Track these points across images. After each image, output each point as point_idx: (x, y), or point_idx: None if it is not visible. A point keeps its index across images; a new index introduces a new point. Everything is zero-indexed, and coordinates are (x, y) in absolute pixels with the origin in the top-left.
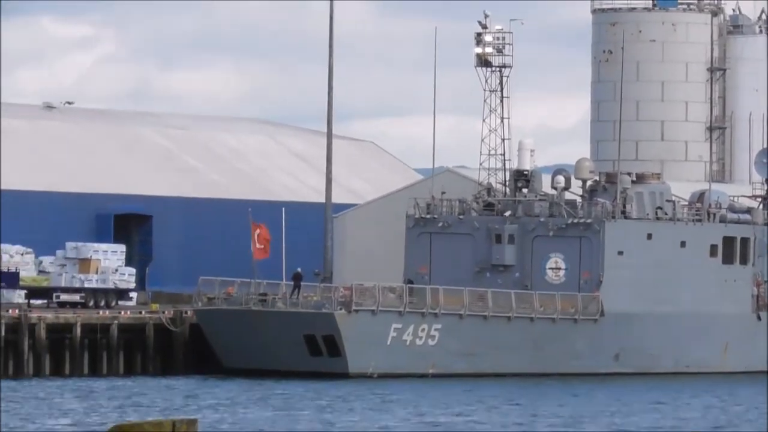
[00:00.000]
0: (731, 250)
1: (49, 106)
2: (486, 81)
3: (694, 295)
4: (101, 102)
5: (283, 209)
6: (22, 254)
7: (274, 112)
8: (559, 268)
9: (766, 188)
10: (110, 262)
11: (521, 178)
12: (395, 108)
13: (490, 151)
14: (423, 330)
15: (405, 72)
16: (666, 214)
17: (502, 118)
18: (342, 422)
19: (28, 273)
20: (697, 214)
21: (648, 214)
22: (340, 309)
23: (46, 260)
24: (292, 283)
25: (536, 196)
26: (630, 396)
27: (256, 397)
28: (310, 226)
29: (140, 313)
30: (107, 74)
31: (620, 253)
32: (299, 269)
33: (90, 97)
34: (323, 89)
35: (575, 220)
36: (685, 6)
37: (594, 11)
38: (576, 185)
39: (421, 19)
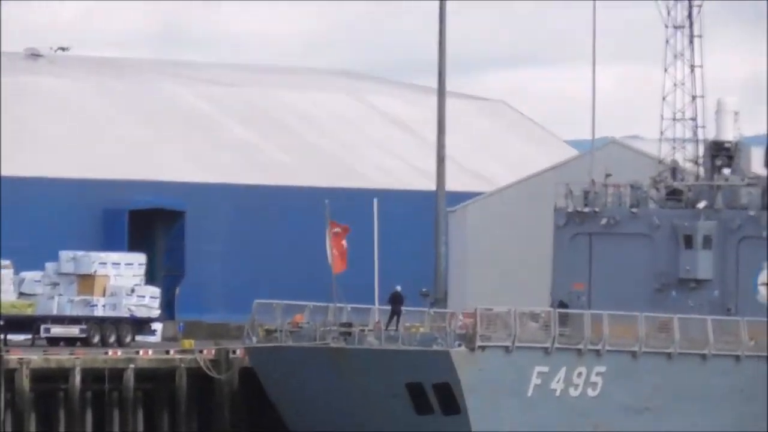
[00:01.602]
0: None
1: (34, 54)
2: (669, 13)
3: None
4: (110, 47)
5: (375, 201)
6: None
7: (360, 60)
8: None
9: None
10: (124, 280)
11: (721, 154)
12: (536, 55)
13: (675, 114)
14: (580, 375)
15: (550, 3)
16: None
17: (693, 67)
18: None
19: (4, 296)
20: None
21: None
22: (459, 345)
23: (31, 277)
24: (388, 307)
25: (743, 180)
26: None
27: None
28: (414, 225)
29: (167, 352)
30: (120, 6)
31: None
32: (398, 288)
33: (93, 41)
34: (431, 27)
35: None
36: None
37: None
38: None
39: None
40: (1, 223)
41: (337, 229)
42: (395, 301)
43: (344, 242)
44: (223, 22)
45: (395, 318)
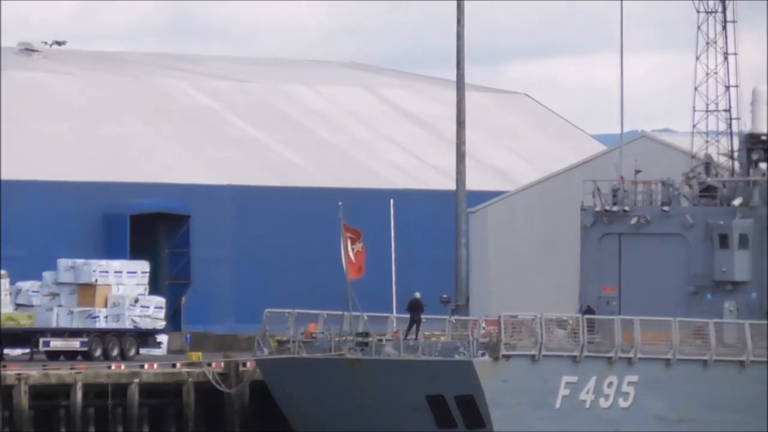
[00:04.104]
0: None
1: (28, 49)
2: None
3: None
4: (110, 41)
5: (391, 201)
6: None
7: (372, 51)
8: None
9: None
10: (126, 289)
11: (757, 147)
12: (560, 44)
13: (708, 105)
14: (610, 385)
15: None
16: None
17: (726, 55)
18: None
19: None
20: None
21: None
22: (483, 355)
23: (27, 287)
24: (407, 315)
25: None
26: None
27: None
28: (432, 227)
29: (174, 366)
30: None
31: None
32: (417, 294)
33: (92, 34)
34: (448, 16)
35: None
36: None
37: None
38: None
39: None
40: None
41: (349, 234)
42: (414, 308)
43: (360, 246)
44: (233, 14)
45: (414, 326)
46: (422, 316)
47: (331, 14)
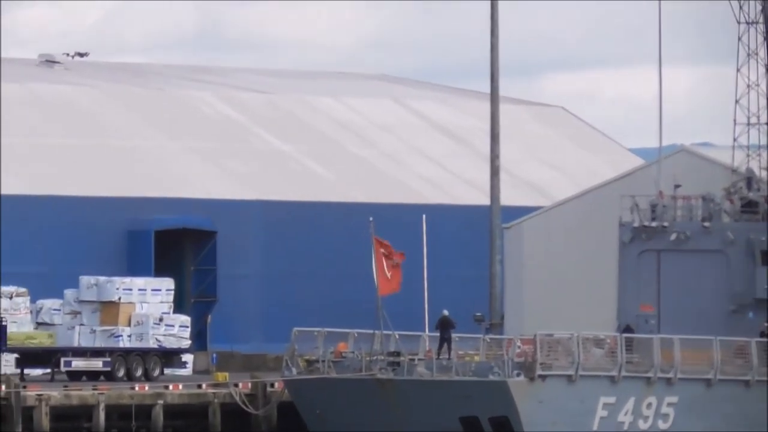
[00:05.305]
0: None
1: (49, 61)
2: (740, 8)
3: None
4: (134, 53)
5: (423, 217)
6: (10, 297)
7: (403, 65)
8: None
9: None
10: (151, 307)
11: None
12: (597, 55)
13: (749, 118)
14: (650, 406)
15: (616, 1)
16: None
17: None
18: None
19: (20, 326)
20: None
21: None
22: (518, 375)
23: (49, 305)
24: (437, 334)
25: None
26: None
27: None
28: (465, 243)
29: (199, 387)
30: (145, 8)
31: None
32: (446, 312)
33: (116, 46)
34: (482, 27)
35: None
36: None
37: None
38: None
39: None
40: (1, 244)
41: (382, 250)
42: (444, 326)
43: (396, 261)
44: (259, 26)
45: (445, 345)
46: (453, 335)
47: (360, 26)
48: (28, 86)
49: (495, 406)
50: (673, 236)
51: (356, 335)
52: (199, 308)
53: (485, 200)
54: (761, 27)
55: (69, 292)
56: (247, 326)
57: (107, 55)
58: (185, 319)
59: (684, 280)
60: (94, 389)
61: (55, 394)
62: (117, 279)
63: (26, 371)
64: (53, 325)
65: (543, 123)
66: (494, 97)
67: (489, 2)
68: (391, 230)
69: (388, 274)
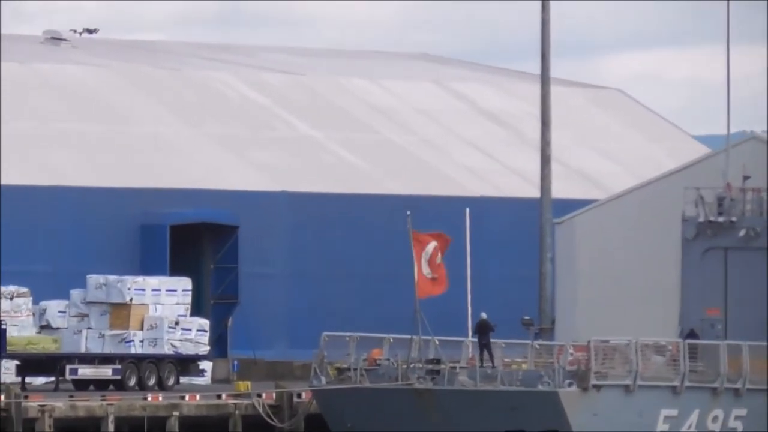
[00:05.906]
0: None
1: (55, 38)
2: None
3: None
4: (146, 29)
5: (467, 210)
6: (11, 297)
7: (444, 43)
8: None
9: None
10: (165, 309)
11: None
12: (658, 36)
13: None
14: (716, 419)
15: None
16: None
17: None
18: None
19: (21, 330)
20: None
21: None
22: (570, 385)
23: (53, 307)
24: (476, 339)
25: None
26: None
27: None
28: (512, 239)
29: (219, 397)
30: None
31: None
32: (484, 315)
33: (127, 23)
34: (534, 2)
35: None
36: None
37: None
38: None
39: None
40: (1, 239)
41: (431, 244)
42: (482, 330)
43: (439, 258)
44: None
45: (486, 352)
46: (498, 340)
47: (402, 4)
48: (31, 66)
49: (544, 418)
50: (742, 232)
51: (392, 341)
52: (219, 311)
53: (535, 192)
54: None
55: (75, 293)
56: (272, 331)
57: (118, 32)
58: (203, 322)
59: (753, 280)
60: (102, 399)
61: (60, 404)
62: (128, 278)
63: (28, 380)
64: (58, 329)
65: (599, 107)
66: (545, 78)
67: None
68: (431, 225)
69: (434, 275)
